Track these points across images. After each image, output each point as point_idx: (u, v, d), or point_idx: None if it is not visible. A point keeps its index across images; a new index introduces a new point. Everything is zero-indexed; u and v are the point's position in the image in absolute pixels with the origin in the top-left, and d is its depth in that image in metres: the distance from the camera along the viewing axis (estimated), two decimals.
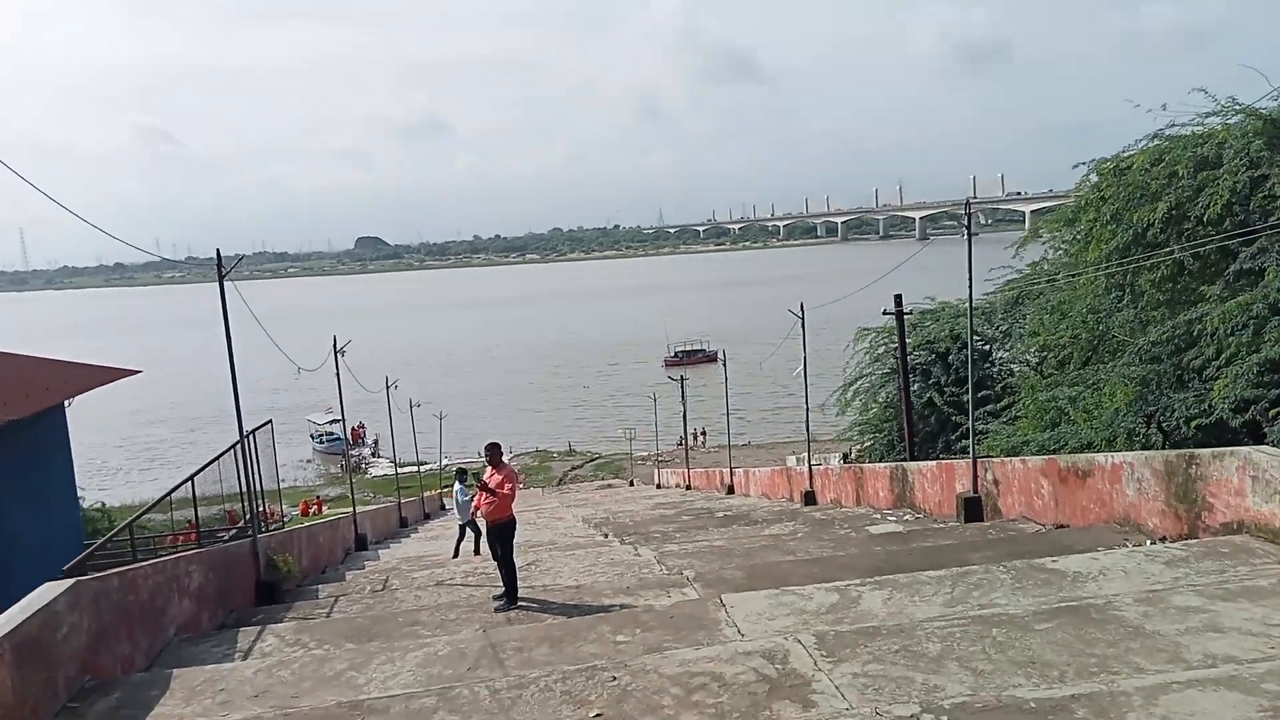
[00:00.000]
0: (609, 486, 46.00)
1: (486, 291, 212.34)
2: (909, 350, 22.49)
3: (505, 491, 9.20)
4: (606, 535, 16.61)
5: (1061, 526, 10.26)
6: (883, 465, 17.44)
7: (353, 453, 62.17)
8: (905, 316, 21.52)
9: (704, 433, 55.81)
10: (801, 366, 21.23)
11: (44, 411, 14.50)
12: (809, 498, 19.65)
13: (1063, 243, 20.62)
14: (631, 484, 45.84)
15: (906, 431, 20.78)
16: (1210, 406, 12.49)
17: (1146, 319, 15.22)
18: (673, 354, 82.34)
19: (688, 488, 34.31)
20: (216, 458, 12.11)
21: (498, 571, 9.47)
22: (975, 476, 12.31)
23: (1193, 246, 13.29)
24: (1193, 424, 12.80)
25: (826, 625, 6.56)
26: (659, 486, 39.70)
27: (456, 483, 18.24)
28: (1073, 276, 17.61)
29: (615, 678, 5.71)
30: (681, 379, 42.40)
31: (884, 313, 22.02)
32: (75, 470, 24.25)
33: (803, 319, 20.69)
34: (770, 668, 5.62)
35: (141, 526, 16.09)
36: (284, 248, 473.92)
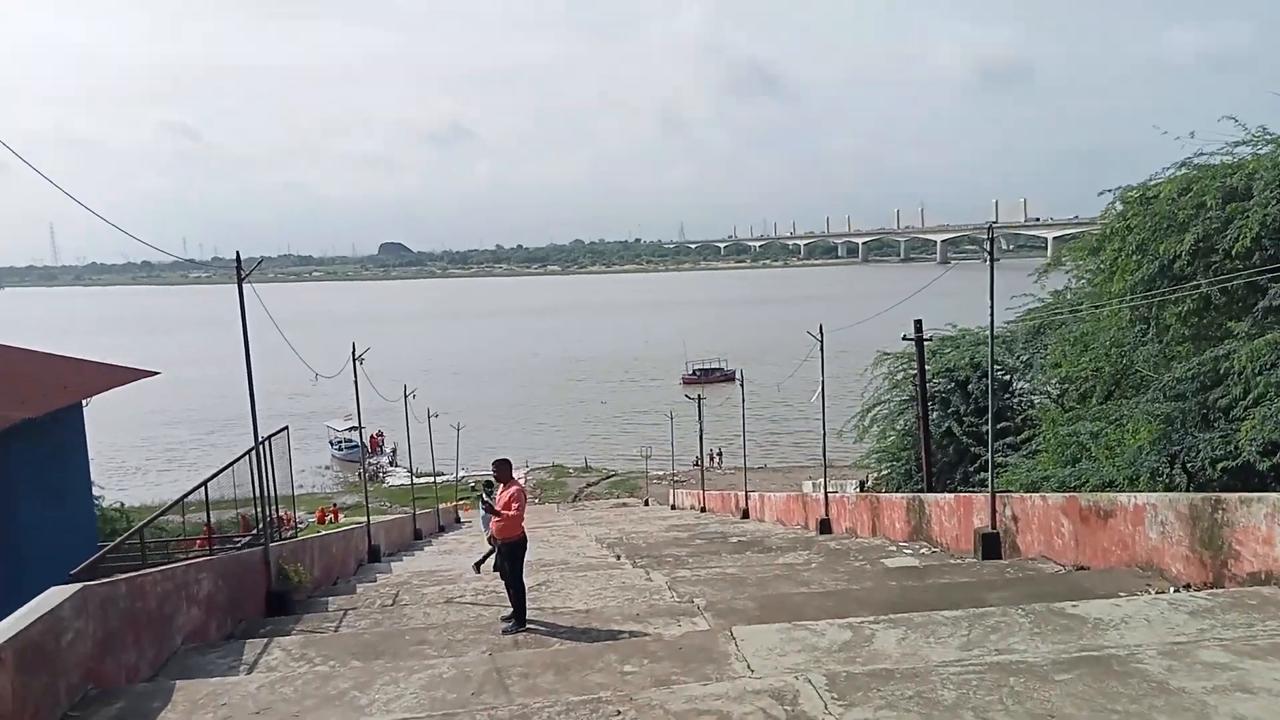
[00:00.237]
0: (624, 505, 45.78)
1: (507, 301, 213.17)
2: (928, 377, 22.27)
3: (510, 512, 9.10)
4: (619, 557, 16.48)
5: (1082, 568, 10.05)
6: (899, 496, 17.23)
7: (371, 461, 62.49)
8: (925, 343, 21.29)
9: (720, 453, 55.55)
10: (819, 390, 21.02)
11: (61, 410, 14.56)
12: (824, 526, 19.44)
13: (1086, 272, 20.37)
14: (646, 503, 45.61)
15: (924, 461, 20.53)
16: (1237, 448, 12.21)
17: (1171, 354, 14.95)
18: (691, 371, 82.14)
19: (702, 510, 34.09)
20: (231, 463, 12.11)
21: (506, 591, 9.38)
22: (994, 512, 12.11)
23: (1220, 281, 13.04)
24: (1218, 466, 12.52)
25: (839, 665, 6.42)
26: (674, 507, 39.46)
27: (483, 495, 18.12)
28: (1096, 307, 17.36)
29: (620, 712, 5.61)
30: (699, 398, 42.15)
31: (904, 338, 21.80)
32: (92, 470, 24.40)
33: (821, 341, 20.48)
34: (779, 709, 5.50)
35: (159, 528, 16.17)
36: (308, 251, 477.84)
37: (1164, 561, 8.76)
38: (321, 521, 38.66)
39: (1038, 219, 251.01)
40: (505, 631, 8.72)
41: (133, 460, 59.42)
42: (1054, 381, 21.64)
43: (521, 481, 11.05)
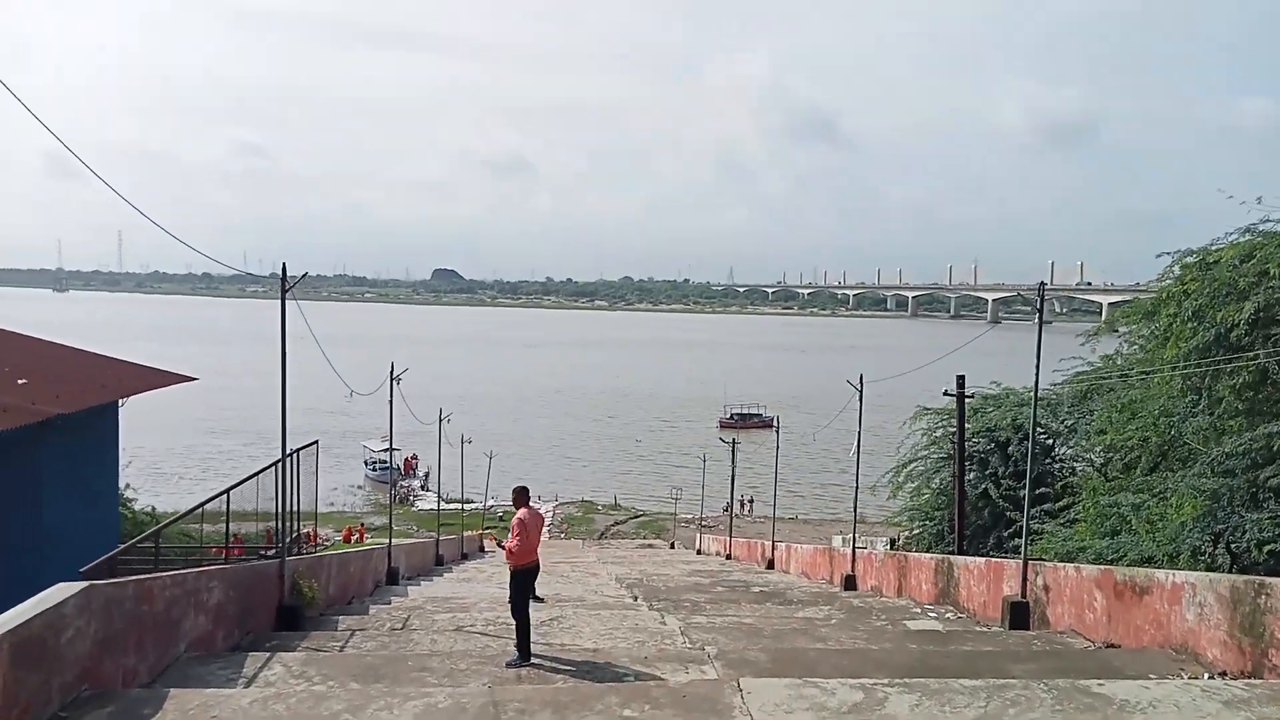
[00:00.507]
0: (649, 546, 45.38)
1: (553, 334, 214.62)
2: (967, 436, 21.74)
3: (507, 545, 9.06)
4: (636, 598, 16.21)
5: (1112, 646, 9.60)
6: (928, 556, 16.75)
7: (403, 484, 62.85)
8: (966, 400, 20.80)
9: (751, 501, 54.93)
10: (856, 442, 20.59)
11: (96, 408, 14.76)
12: (849, 582, 18.97)
13: (1139, 337, 19.80)
14: (673, 546, 45.16)
15: (958, 522, 19.96)
16: None
17: (1223, 428, 14.36)
18: (729, 415, 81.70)
19: (728, 557, 33.61)
20: (255, 474, 12.15)
21: None
22: (1025, 580, 11.66)
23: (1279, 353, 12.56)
24: (1265, 549, 11.94)
25: None
26: (699, 552, 38.99)
27: None
28: (1146, 374, 16.83)
29: None
30: (734, 442, 41.79)
31: (944, 393, 21.36)
32: (129, 473, 24.76)
33: (860, 391, 20.06)
34: None
35: (186, 535, 16.24)
36: (363, 272, 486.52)
37: (1200, 645, 8.32)
38: (347, 540, 38.80)
39: (1088, 284, 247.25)
40: (509, 665, 8.55)
41: (170, 466, 60.35)
42: (1098, 449, 20.98)
43: (541, 510, 10.95)
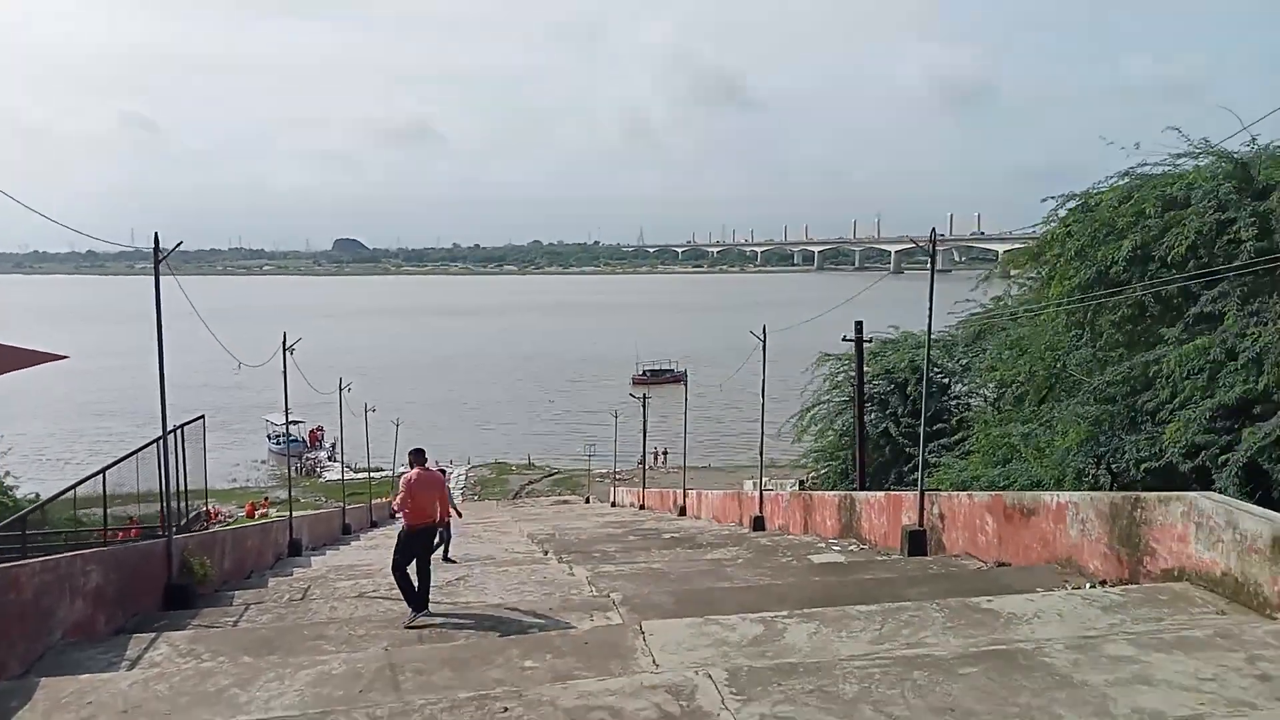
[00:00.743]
0: (564, 503, 45.42)
1: (461, 300, 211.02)
2: (868, 379, 22.24)
3: (394, 504, 8.96)
4: (546, 552, 16.12)
5: (1003, 565, 9.97)
6: (832, 494, 17.14)
7: (309, 456, 61.12)
8: (866, 345, 21.27)
9: (665, 453, 55.36)
10: (761, 390, 20.91)
11: None
12: (758, 523, 19.30)
13: (1027, 279, 20.49)
14: (587, 501, 45.32)
15: (859, 460, 20.50)
16: (1161, 450, 12.28)
17: (1104, 359, 15.01)
18: (641, 372, 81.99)
19: (641, 507, 33.87)
20: (133, 452, 11.52)
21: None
22: (922, 509, 12.02)
23: (1154, 286, 13.13)
24: (1142, 467, 12.58)
25: (745, 659, 6.18)
26: (613, 505, 39.23)
27: None
28: (1033, 312, 17.43)
29: (507, 709, 5.29)
30: (644, 397, 41.98)
31: (843, 339, 21.80)
32: (11, 460, 23.30)
33: (764, 341, 20.40)
34: (674, 704, 5.22)
35: (77, 521, 15.37)
36: (261, 245, 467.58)
37: (1083, 559, 8.69)
38: (251, 516, 37.54)
39: (983, 233, 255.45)
40: (407, 625, 8.37)
41: (55, 451, 57.19)
42: (990, 385, 21.74)
43: (451, 473, 10.75)
